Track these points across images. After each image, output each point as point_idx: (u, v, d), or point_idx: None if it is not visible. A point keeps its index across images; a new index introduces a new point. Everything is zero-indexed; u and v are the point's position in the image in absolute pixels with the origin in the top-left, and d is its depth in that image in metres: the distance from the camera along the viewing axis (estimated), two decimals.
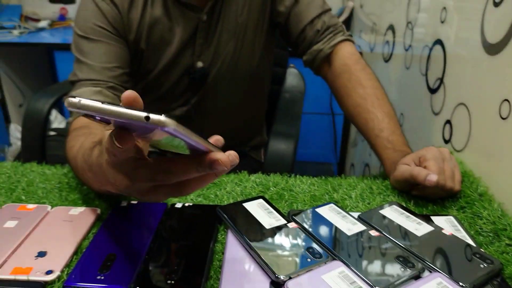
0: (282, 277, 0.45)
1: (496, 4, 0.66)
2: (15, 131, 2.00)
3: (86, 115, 0.34)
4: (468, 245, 0.52)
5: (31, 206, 0.61)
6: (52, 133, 1.45)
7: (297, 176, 0.72)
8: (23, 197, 0.64)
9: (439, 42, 0.88)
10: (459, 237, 0.54)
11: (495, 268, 0.48)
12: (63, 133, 1.89)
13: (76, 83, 0.77)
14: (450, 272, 0.47)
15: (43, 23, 2.07)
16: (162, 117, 0.29)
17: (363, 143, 1.64)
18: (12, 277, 0.47)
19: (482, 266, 0.48)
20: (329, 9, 0.91)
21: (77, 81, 0.77)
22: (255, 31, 0.90)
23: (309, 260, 0.48)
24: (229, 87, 0.93)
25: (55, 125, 1.92)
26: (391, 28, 1.27)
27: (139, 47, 0.83)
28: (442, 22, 0.87)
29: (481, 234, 0.56)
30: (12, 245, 0.52)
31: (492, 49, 0.66)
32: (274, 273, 0.46)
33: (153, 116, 0.29)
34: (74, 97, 0.31)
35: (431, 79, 0.92)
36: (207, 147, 0.36)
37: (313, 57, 0.90)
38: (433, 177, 0.59)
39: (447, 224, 0.58)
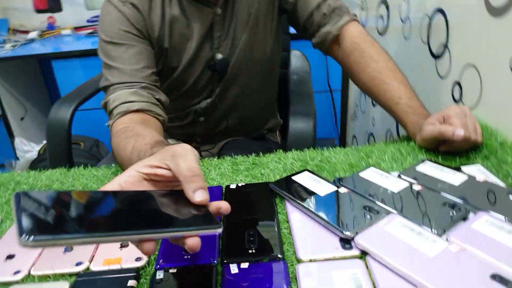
0: (349, 233, 0.52)
1: None
2: (21, 145, 2.01)
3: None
4: (501, 187, 0.59)
5: None
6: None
7: (330, 148, 0.78)
8: None
9: (440, 10, 0.94)
10: (490, 182, 0.61)
11: None
12: (76, 141, 1.91)
13: (109, 88, 0.81)
14: (493, 210, 0.54)
15: (32, 34, 2.07)
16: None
17: (363, 115, 1.71)
18: (106, 267, 0.52)
19: None
20: None
21: (110, 85, 0.81)
22: (266, 20, 0.95)
23: (368, 216, 0.55)
24: (248, 74, 0.98)
25: None
26: (384, 2, 1.33)
27: (163, 46, 0.87)
28: None
29: (509, 177, 0.63)
30: None
31: (497, 12, 0.72)
32: (341, 231, 0.52)
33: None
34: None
35: (434, 45, 0.98)
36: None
37: (322, 39, 0.95)
38: (460, 131, 0.65)
39: (477, 171, 0.65)
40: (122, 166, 0.70)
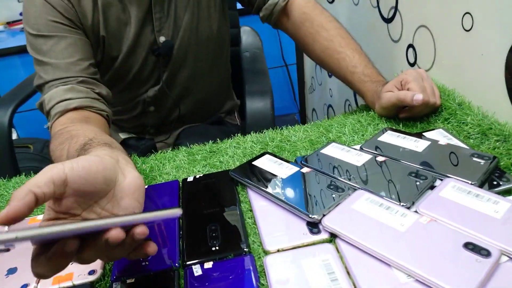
0: (316, 216, 0.49)
1: None
2: None
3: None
4: (464, 149, 0.58)
5: (40, 217, 0.60)
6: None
7: (289, 127, 0.75)
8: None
9: None
10: (453, 144, 0.59)
11: (493, 162, 0.54)
12: (24, 145, 1.79)
13: (44, 86, 0.74)
14: (458, 175, 0.52)
15: None
16: None
17: (320, 87, 1.69)
18: (56, 286, 0.46)
19: (482, 163, 0.54)
20: None
21: (44, 83, 0.73)
22: None
23: (333, 196, 0.52)
24: (195, 55, 0.92)
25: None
26: None
27: (99, 34, 0.80)
28: None
29: (470, 137, 0.62)
30: None
31: None
32: (308, 214, 0.49)
33: None
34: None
35: (384, 9, 0.96)
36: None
37: (270, 12, 0.90)
38: (419, 96, 0.63)
39: (439, 135, 0.64)
40: None
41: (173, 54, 0.89)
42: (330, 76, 1.51)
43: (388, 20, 0.95)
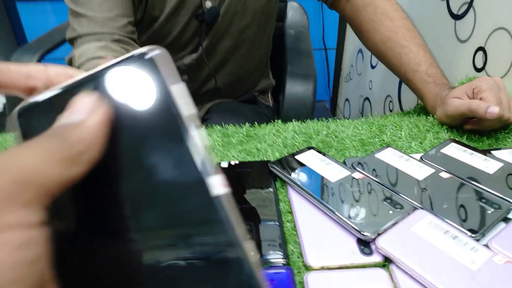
0: (369, 235, 0.42)
1: None
2: None
3: None
4: None
5: None
6: None
7: (337, 120, 0.67)
8: None
9: None
10: None
11: None
12: None
13: (76, 40, 0.67)
14: None
15: None
16: None
17: (359, 77, 1.60)
18: None
19: None
20: None
21: (77, 37, 0.67)
22: None
23: (391, 212, 0.45)
24: (240, 26, 0.84)
25: None
26: None
27: None
28: None
29: None
30: None
31: None
32: (360, 231, 0.42)
33: None
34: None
35: (455, 4, 0.86)
36: None
37: None
38: (494, 109, 0.55)
39: (510, 156, 0.56)
40: None
41: (217, 22, 0.81)
42: (373, 68, 1.42)
43: (457, 17, 0.85)
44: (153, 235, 0.18)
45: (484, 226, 0.43)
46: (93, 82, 0.20)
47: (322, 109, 1.96)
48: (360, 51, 1.56)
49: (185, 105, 0.19)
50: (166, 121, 0.19)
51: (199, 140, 0.18)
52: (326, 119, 0.67)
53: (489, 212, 0.45)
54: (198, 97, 0.96)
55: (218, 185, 0.17)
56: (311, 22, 1.80)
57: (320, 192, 0.48)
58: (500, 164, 0.53)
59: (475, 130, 0.62)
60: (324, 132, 0.63)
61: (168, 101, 0.19)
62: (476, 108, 0.57)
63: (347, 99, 1.78)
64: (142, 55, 0.20)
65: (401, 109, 1.16)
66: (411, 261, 0.39)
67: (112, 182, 0.19)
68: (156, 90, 0.19)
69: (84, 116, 0.18)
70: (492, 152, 0.57)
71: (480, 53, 0.77)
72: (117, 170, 0.19)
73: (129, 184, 0.18)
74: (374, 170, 0.52)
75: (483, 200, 0.47)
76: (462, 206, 0.46)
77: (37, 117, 0.20)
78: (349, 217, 0.44)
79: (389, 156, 0.55)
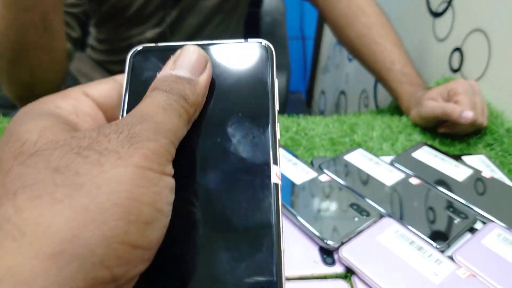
0: (332, 243, 0.40)
1: None
2: None
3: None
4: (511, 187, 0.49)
5: None
6: None
7: (307, 116, 0.65)
8: None
9: None
10: (499, 180, 0.51)
11: None
12: None
13: None
14: (505, 222, 0.44)
15: None
16: None
17: (336, 70, 1.58)
18: None
19: None
20: None
21: None
22: None
23: (356, 219, 0.43)
24: (208, 4, 0.80)
25: None
26: None
27: None
28: None
29: None
30: None
31: None
32: (322, 239, 0.40)
33: None
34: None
35: (434, 2, 0.84)
36: None
37: None
38: (469, 114, 0.54)
39: (480, 163, 0.55)
40: None
41: None
42: (350, 61, 1.40)
43: (436, 14, 0.83)
44: (215, 193, 0.20)
45: (450, 236, 0.42)
46: (206, 48, 0.23)
47: (297, 101, 1.94)
48: (338, 42, 1.54)
49: (277, 100, 0.22)
50: (259, 105, 0.22)
51: (278, 132, 0.21)
52: (297, 115, 0.65)
53: (456, 221, 0.44)
54: None
55: (277, 175, 0.20)
56: (289, 9, 1.76)
57: (283, 196, 0.46)
58: (470, 171, 0.52)
59: (448, 133, 0.60)
60: (294, 129, 0.61)
61: (268, 90, 0.22)
62: (451, 111, 0.55)
63: (323, 91, 1.77)
64: (259, 42, 0.23)
65: (376, 104, 1.14)
66: (373, 273, 0.37)
67: (194, 141, 0.21)
68: (261, 75, 0.22)
69: (196, 74, 0.21)
70: (462, 157, 0.56)
71: (457, 53, 0.76)
72: (201, 131, 0.21)
73: (209, 145, 0.21)
74: (342, 172, 0.50)
75: (451, 209, 0.45)
76: (429, 214, 0.44)
77: (147, 61, 0.23)
78: (313, 224, 0.42)
79: (359, 158, 0.53)
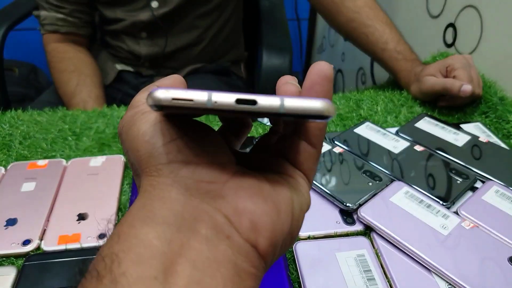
0: (351, 205, 0.45)
1: None
2: None
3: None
4: (507, 150, 0.54)
5: (42, 162, 0.54)
6: None
7: None
8: (26, 153, 0.57)
9: None
10: (494, 143, 0.56)
11: None
12: (8, 67, 1.67)
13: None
14: (502, 179, 0.49)
15: None
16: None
17: (332, 49, 1.61)
18: (62, 247, 0.42)
19: None
20: None
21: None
22: None
23: (370, 184, 0.48)
24: None
25: None
26: None
27: None
28: None
29: (510, 137, 0.58)
30: (43, 211, 0.46)
31: None
32: (342, 202, 0.45)
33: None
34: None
35: None
36: None
37: None
38: (468, 87, 0.58)
39: (476, 130, 0.60)
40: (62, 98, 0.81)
41: None
42: (345, 40, 1.44)
43: None
44: None
45: (454, 195, 0.47)
46: None
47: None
48: None
49: None
50: None
51: None
52: None
53: (458, 182, 0.49)
54: (160, 58, 0.92)
55: None
56: None
57: None
58: (468, 137, 0.57)
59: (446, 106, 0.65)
60: None
61: None
62: (450, 86, 0.60)
63: None
64: None
65: (374, 81, 1.19)
66: (390, 229, 0.42)
67: None
68: None
69: None
70: (461, 125, 0.61)
71: (450, 29, 0.80)
72: None
73: None
74: (352, 144, 0.55)
75: (453, 171, 0.50)
76: (434, 177, 0.50)
77: None
78: (332, 190, 0.47)
79: (367, 131, 0.58)
